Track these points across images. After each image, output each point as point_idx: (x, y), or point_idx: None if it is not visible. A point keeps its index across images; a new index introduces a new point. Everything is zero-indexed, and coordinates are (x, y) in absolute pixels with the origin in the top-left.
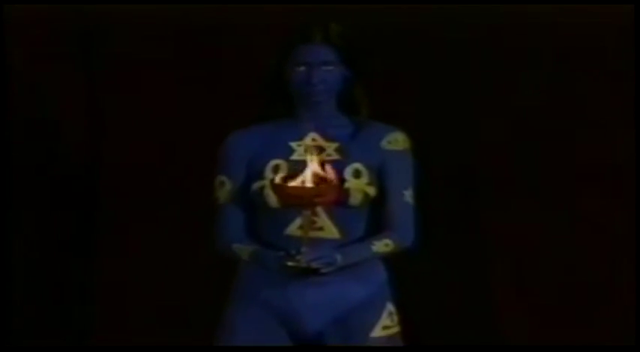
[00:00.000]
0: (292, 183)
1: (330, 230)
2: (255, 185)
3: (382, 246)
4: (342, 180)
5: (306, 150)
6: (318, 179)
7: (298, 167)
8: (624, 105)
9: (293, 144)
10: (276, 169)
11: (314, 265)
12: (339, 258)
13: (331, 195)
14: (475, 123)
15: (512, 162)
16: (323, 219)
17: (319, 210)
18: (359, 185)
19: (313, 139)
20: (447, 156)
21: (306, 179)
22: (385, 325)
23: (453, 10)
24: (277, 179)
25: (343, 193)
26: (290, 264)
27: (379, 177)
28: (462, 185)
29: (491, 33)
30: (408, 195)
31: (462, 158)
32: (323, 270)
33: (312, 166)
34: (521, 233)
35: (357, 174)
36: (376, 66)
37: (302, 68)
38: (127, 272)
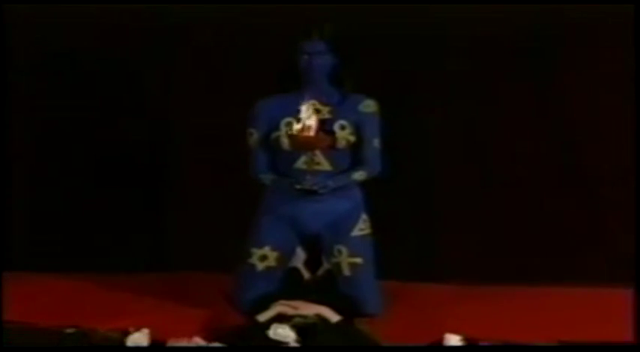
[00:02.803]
0: (301, 134)
1: (324, 164)
2: (274, 135)
3: (358, 175)
4: (332, 131)
5: (308, 112)
6: (318, 130)
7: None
8: (624, 103)
9: (299, 107)
10: (288, 124)
11: (314, 188)
12: (330, 183)
13: (326, 142)
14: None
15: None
16: (320, 157)
17: (317, 151)
18: (344, 135)
19: (313, 104)
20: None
21: (310, 131)
22: (361, 228)
23: (457, 9)
24: (291, 130)
25: (333, 140)
26: (298, 186)
27: (357, 129)
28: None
29: (490, 32)
30: (377, 142)
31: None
32: (320, 191)
33: (314, 122)
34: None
35: (342, 128)
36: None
37: (305, 56)
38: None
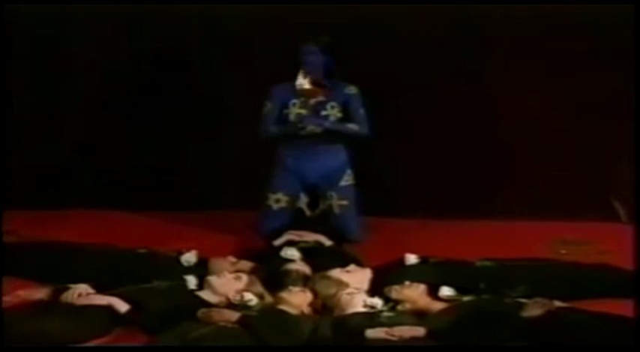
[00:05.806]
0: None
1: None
2: (284, 111)
3: (351, 125)
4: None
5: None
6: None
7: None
8: (623, 101)
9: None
10: (294, 105)
11: (313, 124)
12: (327, 123)
13: (321, 92)
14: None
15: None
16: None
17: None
18: (334, 112)
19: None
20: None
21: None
22: (346, 179)
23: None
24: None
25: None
26: (299, 125)
27: (345, 106)
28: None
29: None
30: (362, 111)
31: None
32: (322, 126)
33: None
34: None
35: (332, 107)
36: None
37: (302, 55)
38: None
